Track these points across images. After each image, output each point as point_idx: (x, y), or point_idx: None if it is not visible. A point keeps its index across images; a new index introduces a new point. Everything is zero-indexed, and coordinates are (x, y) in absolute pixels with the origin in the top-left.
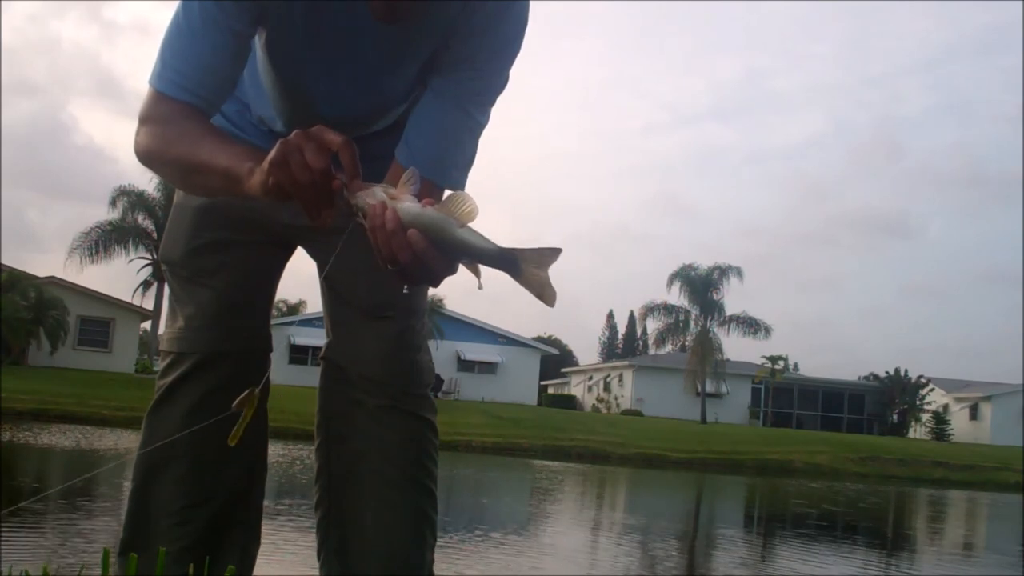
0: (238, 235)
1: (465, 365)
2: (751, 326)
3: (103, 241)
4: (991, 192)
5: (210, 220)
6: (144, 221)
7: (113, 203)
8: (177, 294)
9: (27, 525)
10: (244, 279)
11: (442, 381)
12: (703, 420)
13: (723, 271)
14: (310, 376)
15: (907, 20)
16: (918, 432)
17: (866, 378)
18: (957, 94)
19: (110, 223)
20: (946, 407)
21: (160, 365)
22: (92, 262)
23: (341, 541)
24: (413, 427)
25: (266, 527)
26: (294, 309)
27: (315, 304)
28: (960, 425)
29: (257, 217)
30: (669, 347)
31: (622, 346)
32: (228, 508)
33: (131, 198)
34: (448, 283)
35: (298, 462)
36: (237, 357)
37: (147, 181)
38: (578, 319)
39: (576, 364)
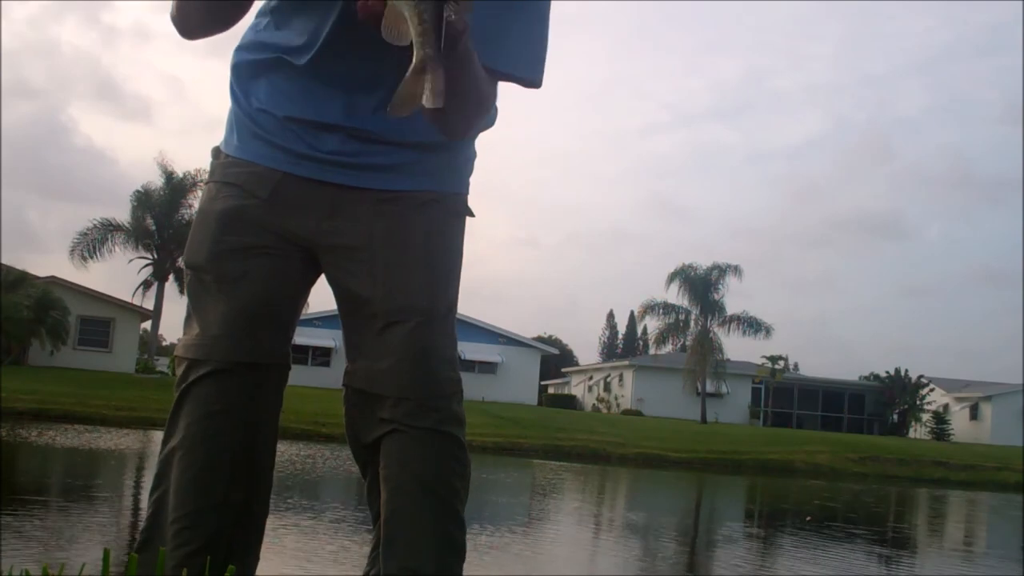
0: (260, 240)
1: (465, 365)
2: (751, 326)
3: (102, 239)
4: (991, 192)
5: (233, 224)
6: (147, 220)
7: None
8: (197, 300)
9: (27, 525)
10: (265, 289)
11: None
12: (703, 420)
13: (722, 270)
14: (310, 376)
15: (907, 20)
16: (918, 432)
17: (866, 378)
18: (957, 95)
19: (109, 221)
20: (946, 407)
21: (177, 372)
22: (93, 259)
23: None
24: (432, 443)
25: (267, 524)
26: None
27: (315, 304)
28: (960, 425)
29: (279, 223)
30: (669, 347)
31: (622, 346)
32: (234, 519)
33: (138, 196)
34: None
35: (296, 462)
36: (253, 369)
37: (151, 181)
38: (578, 319)
39: (576, 364)
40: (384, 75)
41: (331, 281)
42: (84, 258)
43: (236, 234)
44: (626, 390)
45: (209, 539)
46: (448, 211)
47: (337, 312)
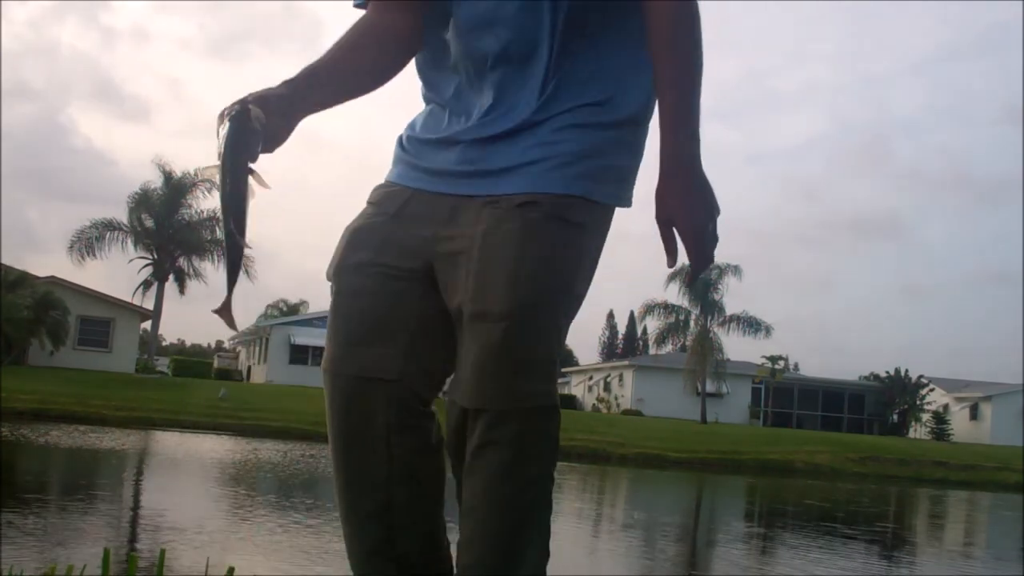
0: (381, 258)
1: None
2: (751, 326)
3: (100, 237)
4: (991, 192)
5: (359, 240)
6: (147, 220)
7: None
8: (330, 312)
9: (27, 525)
10: (377, 306)
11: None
12: (703, 420)
13: (722, 270)
14: (310, 376)
15: (907, 20)
16: (918, 432)
17: (866, 378)
18: (956, 95)
19: (109, 220)
20: (946, 407)
21: None
22: (91, 257)
23: None
24: (502, 459)
25: (268, 524)
26: (294, 309)
27: (316, 304)
28: (960, 425)
29: (400, 237)
30: (669, 347)
31: (622, 346)
32: (377, 543)
33: (136, 197)
34: None
35: (298, 462)
36: (363, 384)
37: (150, 181)
38: (578, 319)
39: (576, 364)
40: (509, 83)
41: (441, 291)
42: (82, 255)
43: (361, 250)
44: (626, 390)
45: (377, 544)
46: (546, 214)
47: None
